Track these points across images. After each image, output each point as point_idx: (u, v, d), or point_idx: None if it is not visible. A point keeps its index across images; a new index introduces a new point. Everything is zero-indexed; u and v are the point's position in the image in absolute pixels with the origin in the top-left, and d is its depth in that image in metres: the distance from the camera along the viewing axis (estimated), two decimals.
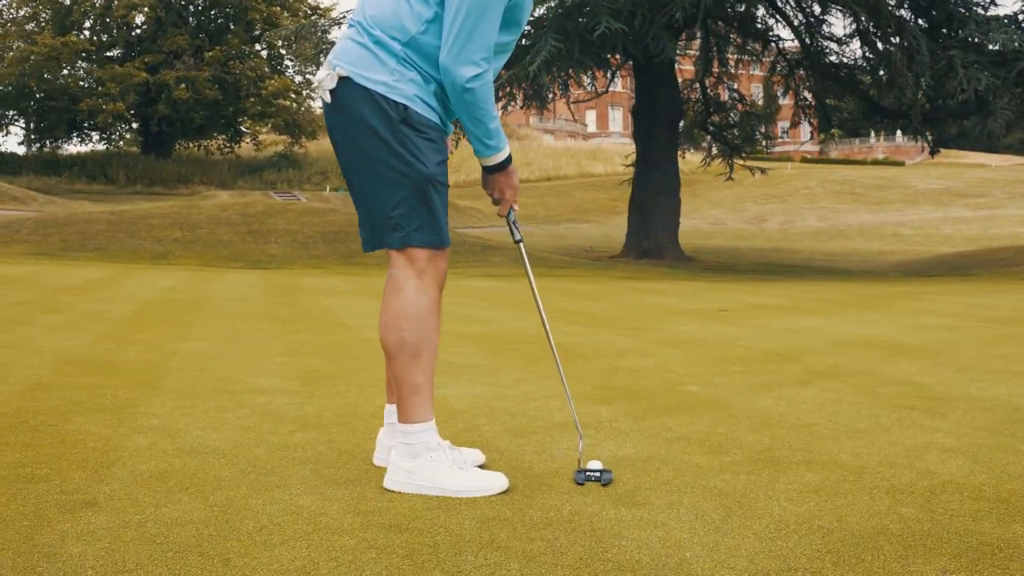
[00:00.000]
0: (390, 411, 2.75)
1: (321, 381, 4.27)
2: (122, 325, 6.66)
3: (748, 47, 23.83)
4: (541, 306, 2.74)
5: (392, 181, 2.34)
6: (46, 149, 45.53)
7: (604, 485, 2.49)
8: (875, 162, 65.59)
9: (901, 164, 63.77)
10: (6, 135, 52.85)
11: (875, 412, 3.60)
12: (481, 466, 2.66)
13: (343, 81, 2.33)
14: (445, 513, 2.23)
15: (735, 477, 2.60)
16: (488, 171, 2.51)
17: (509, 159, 2.49)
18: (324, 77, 2.35)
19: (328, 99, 2.36)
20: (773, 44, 23.03)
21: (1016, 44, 16.03)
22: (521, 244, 2.65)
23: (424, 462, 2.38)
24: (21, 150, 50.38)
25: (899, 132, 71.79)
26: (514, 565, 1.87)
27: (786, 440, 3.09)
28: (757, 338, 6.14)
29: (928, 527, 2.17)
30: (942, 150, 24.11)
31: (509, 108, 22.40)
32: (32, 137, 45.13)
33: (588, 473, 2.53)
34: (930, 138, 22.32)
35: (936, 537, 2.10)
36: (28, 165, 41.35)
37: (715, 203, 44.69)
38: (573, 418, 2.75)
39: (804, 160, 63.50)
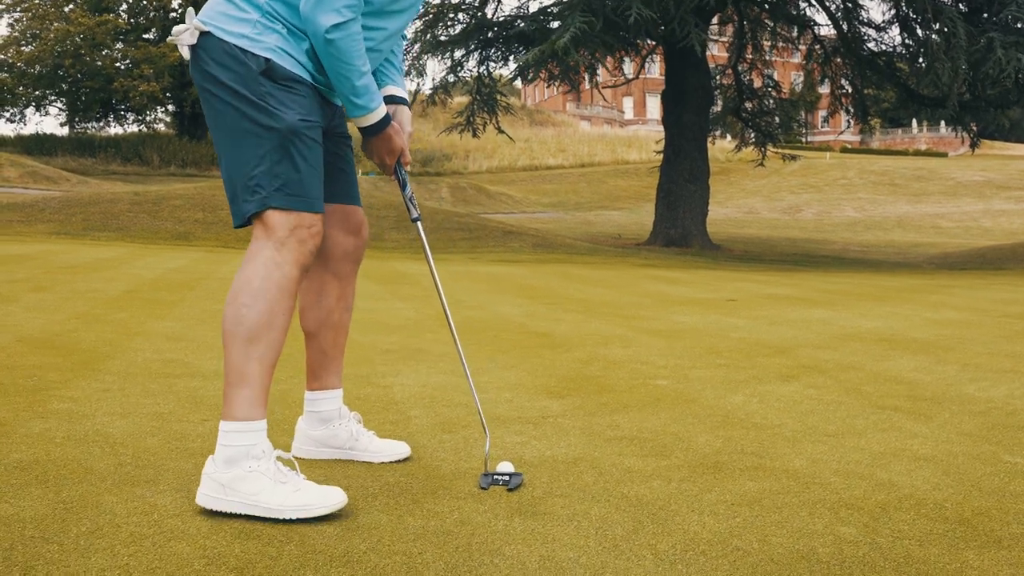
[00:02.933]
0: (310, 398, 2.52)
1: None
2: (105, 304, 6.49)
3: (782, 32, 23.24)
4: (441, 290, 2.46)
5: (253, 135, 2.07)
6: (83, 130, 45.84)
7: (511, 490, 2.22)
8: (917, 153, 64.23)
9: (944, 155, 62.34)
10: (44, 115, 53.07)
11: (853, 413, 3.28)
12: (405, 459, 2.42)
13: (204, 36, 2.09)
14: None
15: (664, 484, 2.32)
16: (364, 134, 2.26)
17: (386, 119, 2.23)
18: (183, 31, 2.10)
19: (187, 55, 2.12)
20: (809, 30, 22.42)
21: None
22: (419, 223, 2.37)
23: (241, 473, 2.01)
24: (58, 131, 50.81)
25: (943, 123, 70.40)
26: None
27: (740, 443, 2.79)
28: (754, 329, 5.81)
29: (864, 552, 1.87)
30: (986, 142, 23.43)
31: (545, 94, 22.14)
32: (75, 118, 45.38)
33: (495, 477, 2.26)
34: (974, 128, 21.61)
35: (869, 564, 1.80)
36: (63, 146, 41.68)
37: (750, 192, 43.97)
38: (479, 415, 2.47)
39: (844, 150, 62.36)
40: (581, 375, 4.00)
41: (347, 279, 2.46)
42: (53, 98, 44.16)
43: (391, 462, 2.47)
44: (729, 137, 27.20)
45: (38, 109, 44.17)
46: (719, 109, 24.41)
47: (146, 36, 43.82)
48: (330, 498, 2.01)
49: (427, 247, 2.44)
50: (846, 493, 2.28)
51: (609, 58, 21.14)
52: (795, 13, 21.76)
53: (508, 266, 13.34)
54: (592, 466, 2.47)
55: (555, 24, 18.70)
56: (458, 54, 21.00)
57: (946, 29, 16.24)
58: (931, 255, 23.19)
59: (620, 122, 71.00)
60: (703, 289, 9.53)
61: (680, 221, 20.67)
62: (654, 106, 72.75)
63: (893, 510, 2.16)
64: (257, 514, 1.99)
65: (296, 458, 2.43)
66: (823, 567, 1.78)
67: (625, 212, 37.05)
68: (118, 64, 42.04)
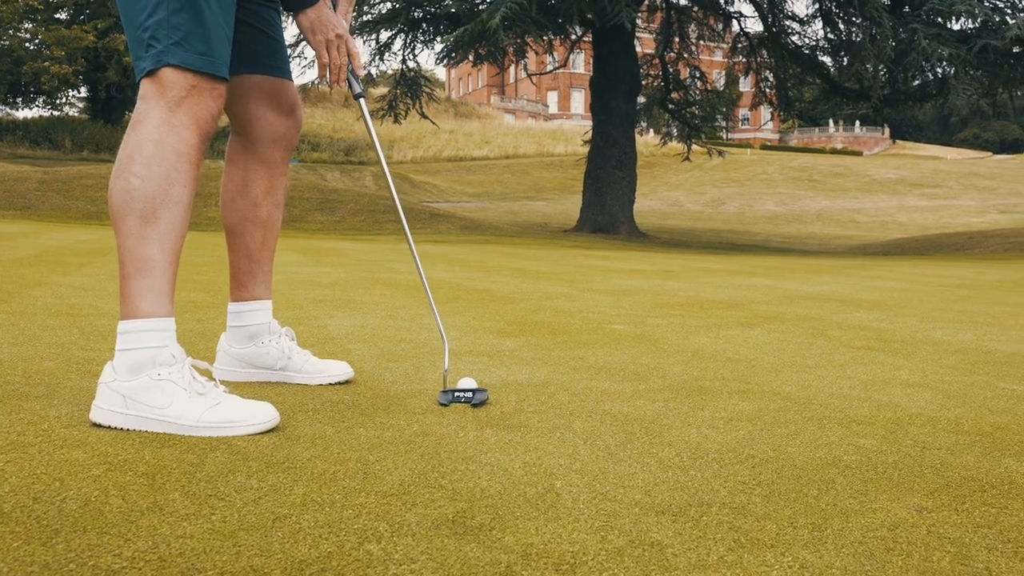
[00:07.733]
0: (234, 310, 2.15)
1: (191, 309, 3.64)
2: (4, 264, 5.96)
3: (709, 23, 23.33)
4: (392, 185, 2.13)
5: None
6: None
7: (475, 406, 1.91)
8: (834, 151, 65.69)
9: (859, 154, 63.89)
10: None
11: (828, 350, 3.06)
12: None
13: None
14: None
15: (649, 404, 2.03)
16: (294, 6, 1.90)
17: None
18: None
19: None
20: (735, 20, 22.55)
21: (976, 11, 15.62)
22: (362, 100, 2.03)
23: (147, 382, 1.66)
24: None
25: (858, 123, 72.06)
26: (298, 489, 1.28)
27: (719, 372, 2.53)
28: (700, 291, 5.60)
29: (893, 459, 1.62)
30: (899, 141, 23.99)
31: (470, 86, 21.81)
32: None
33: (456, 393, 1.95)
34: (888, 125, 22.03)
35: (905, 470, 1.55)
36: None
37: (674, 185, 44.31)
38: (436, 323, 2.15)
39: (764, 147, 63.40)
40: (531, 320, 3.71)
41: (277, 168, 2.11)
42: None
43: (332, 384, 2.13)
44: (652, 132, 27.23)
45: None
46: (645, 100, 24.40)
47: (58, 16, 42.01)
48: (259, 414, 1.66)
49: (371, 124, 2.10)
50: (850, 411, 2.03)
51: (536, 46, 20.87)
52: (722, 2, 21.84)
53: (437, 245, 12.98)
54: (563, 388, 2.18)
55: (484, 4, 18.36)
56: (385, 35, 20.55)
57: (867, 21, 16.42)
58: (851, 246, 23.56)
59: (545, 116, 70.98)
60: (638, 263, 9.34)
61: (607, 208, 20.56)
62: (579, 100, 72.98)
63: (907, 425, 1.91)
64: (169, 432, 1.62)
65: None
66: (856, 472, 1.51)
67: (551, 202, 36.91)
68: (28, 45, 40.21)
